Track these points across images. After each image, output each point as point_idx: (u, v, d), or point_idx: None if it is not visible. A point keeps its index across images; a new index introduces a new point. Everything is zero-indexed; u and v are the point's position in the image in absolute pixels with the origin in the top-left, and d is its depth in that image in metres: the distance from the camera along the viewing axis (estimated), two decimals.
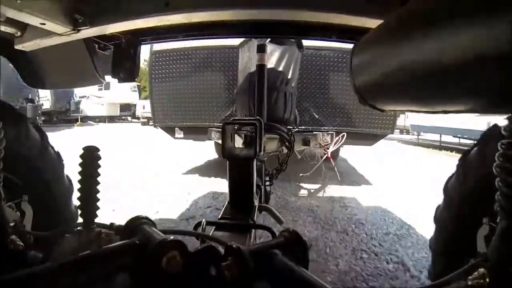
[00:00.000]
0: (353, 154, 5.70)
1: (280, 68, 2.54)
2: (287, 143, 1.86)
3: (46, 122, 9.90)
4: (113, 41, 1.31)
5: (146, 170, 4.18)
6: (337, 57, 3.35)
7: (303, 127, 3.16)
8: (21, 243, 0.60)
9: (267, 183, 1.62)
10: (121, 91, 16.45)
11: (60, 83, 1.61)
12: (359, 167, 4.89)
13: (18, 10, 0.79)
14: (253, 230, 0.79)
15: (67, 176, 1.03)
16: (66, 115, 12.73)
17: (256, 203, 0.97)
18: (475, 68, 0.34)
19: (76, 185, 0.56)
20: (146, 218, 0.50)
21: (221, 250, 0.46)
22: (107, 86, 15.58)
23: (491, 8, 0.31)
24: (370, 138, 3.54)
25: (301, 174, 3.83)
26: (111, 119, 16.58)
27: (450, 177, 0.94)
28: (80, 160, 0.54)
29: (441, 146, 7.83)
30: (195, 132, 3.64)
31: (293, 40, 2.14)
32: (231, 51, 3.38)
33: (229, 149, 0.94)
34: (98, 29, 1.03)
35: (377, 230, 2.26)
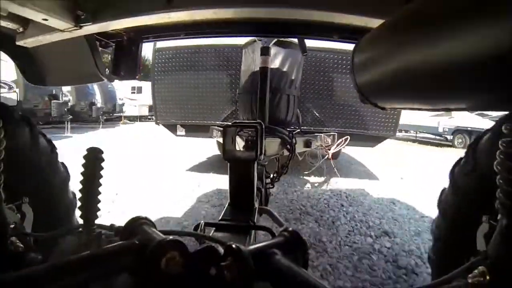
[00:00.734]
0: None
1: (284, 70, 2.54)
2: (288, 146, 1.86)
3: (95, 122, 11.06)
4: (115, 39, 1.30)
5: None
6: (339, 59, 3.35)
7: (305, 128, 3.16)
8: (21, 245, 0.59)
9: (268, 186, 1.63)
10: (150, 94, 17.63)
11: (61, 80, 1.60)
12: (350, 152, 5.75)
13: (21, 5, 0.79)
14: (253, 232, 0.79)
15: (73, 192, 1.00)
16: (109, 115, 13.99)
17: (257, 205, 0.97)
18: (476, 66, 0.34)
19: (78, 186, 0.55)
20: (146, 218, 0.50)
21: (221, 250, 0.46)
22: (140, 90, 17.30)
23: (492, 8, 0.31)
24: (372, 140, 3.54)
25: (305, 172, 3.93)
26: (142, 118, 18.17)
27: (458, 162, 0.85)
28: (83, 161, 0.54)
29: (415, 140, 8.75)
30: (197, 130, 3.65)
31: (297, 43, 2.14)
32: (234, 50, 3.38)
33: (230, 151, 0.94)
34: (100, 25, 1.02)
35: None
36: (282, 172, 1.79)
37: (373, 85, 0.67)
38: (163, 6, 0.97)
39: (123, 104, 15.55)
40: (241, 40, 2.93)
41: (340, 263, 1.68)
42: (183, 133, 3.73)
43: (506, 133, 0.49)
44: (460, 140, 7.30)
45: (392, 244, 1.94)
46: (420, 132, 8.63)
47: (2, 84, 7.47)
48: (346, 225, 2.25)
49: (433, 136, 8.72)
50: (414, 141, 8.78)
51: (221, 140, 1.29)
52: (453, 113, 7.50)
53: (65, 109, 8.76)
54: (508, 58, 0.29)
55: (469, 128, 7.17)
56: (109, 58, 1.33)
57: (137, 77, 1.43)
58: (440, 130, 7.83)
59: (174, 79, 3.64)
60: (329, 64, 3.38)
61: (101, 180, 0.54)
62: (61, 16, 0.92)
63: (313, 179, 3.75)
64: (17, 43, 1.07)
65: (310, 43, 2.06)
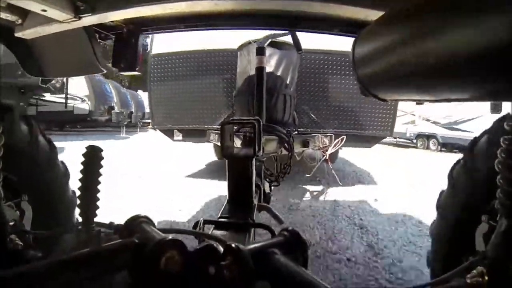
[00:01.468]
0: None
1: (279, 71, 2.54)
2: (286, 145, 1.86)
3: (133, 127, 13.32)
4: (114, 31, 1.29)
5: None
6: (335, 60, 3.33)
7: (302, 130, 3.16)
8: (20, 243, 0.59)
9: (273, 183, 1.65)
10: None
11: (60, 72, 1.59)
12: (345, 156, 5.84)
13: None
14: (252, 229, 0.78)
15: (73, 191, 1.00)
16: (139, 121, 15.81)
17: (256, 202, 0.97)
18: (477, 57, 0.34)
19: (77, 184, 0.55)
20: (145, 217, 0.50)
21: (220, 249, 0.46)
22: None
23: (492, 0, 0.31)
24: (368, 140, 3.54)
25: (307, 175, 3.92)
26: None
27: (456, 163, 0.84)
28: (83, 159, 0.54)
29: (395, 144, 10.11)
30: (194, 134, 3.66)
31: (292, 44, 2.13)
32: (229, 54, 3.38)
33: (228, 148, 0.93)
34: (99, 16, 1.01)
35: None
36: (286, 172, 1.79)
37: (374, 77, 0.67)
38: None
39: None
40: (235, 44, 2.90)
41: None
42: (180, 138, 3.74)
43: (508, 130, 0.49)
44: (421, 143, 9.21)
45: None
46: (395, 137, 10.18)
47: (77, 98, 10.53)
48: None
49: (407, 140, 10.35)
50: (389, 144, 10.04)
51: (218, 143, 1.29)
52: (416, 121, 9.40)
53: (121, 117, 11.94)
54: (509, 48, 0.29)
55: (426, 133, 9.03)
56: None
57: (136, 69, 1.42)
58: (408, 135, 9.67)
59: (170, 84, 3.66)
60: (324, 66, 3.37)
61: (100, 178, 0.54)
62: (60, 7, 0.90)
63: (315, 189, 3.44)
64: (16, 34, 1.05)
65: (305, 45, 2.04)
